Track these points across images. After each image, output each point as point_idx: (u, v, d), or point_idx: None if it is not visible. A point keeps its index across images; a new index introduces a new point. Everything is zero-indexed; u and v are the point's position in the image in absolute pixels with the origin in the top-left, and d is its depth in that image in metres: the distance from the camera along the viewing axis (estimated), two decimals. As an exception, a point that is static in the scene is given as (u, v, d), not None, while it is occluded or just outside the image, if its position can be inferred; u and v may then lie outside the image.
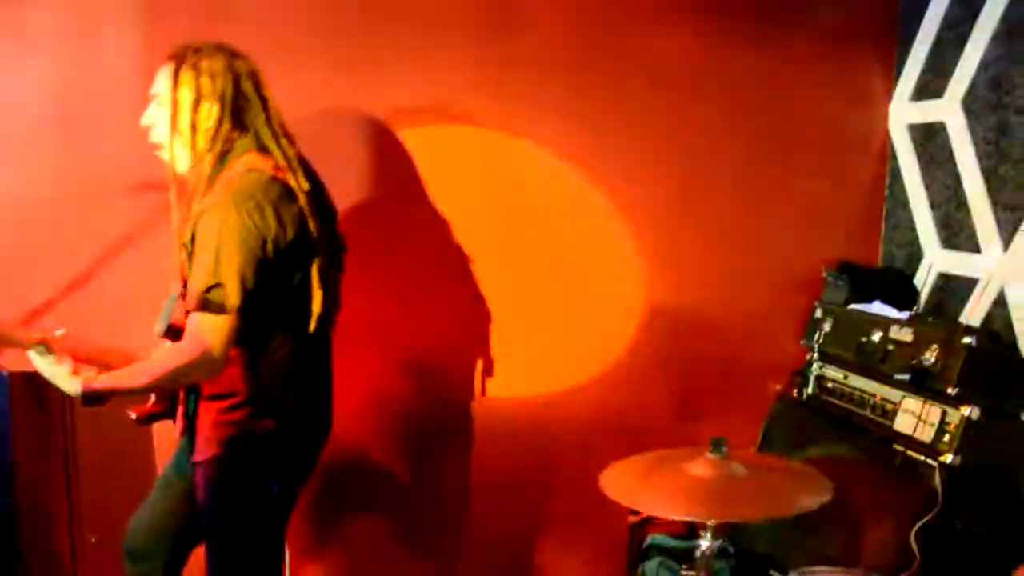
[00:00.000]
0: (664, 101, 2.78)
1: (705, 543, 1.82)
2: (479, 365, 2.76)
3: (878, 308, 2.62)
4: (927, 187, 2.82)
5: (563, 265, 2.79)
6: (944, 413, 2.20)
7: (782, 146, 2.89)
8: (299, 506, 2.12)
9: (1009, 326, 2.44)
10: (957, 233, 2.68)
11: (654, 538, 2.69)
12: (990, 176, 2.55)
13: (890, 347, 2.47)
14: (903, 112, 2.92)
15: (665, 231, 2.84)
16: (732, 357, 2.86)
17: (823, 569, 2.10)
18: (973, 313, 2.57)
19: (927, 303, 2.78)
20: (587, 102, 2.73)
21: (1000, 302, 2.48)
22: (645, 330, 2.85)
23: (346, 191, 2.51)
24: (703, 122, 2.82)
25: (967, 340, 2.24)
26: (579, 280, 2.81)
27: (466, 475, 2.77)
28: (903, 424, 2.33)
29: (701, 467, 1.85)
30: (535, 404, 2.80)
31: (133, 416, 2.03)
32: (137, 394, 1.96)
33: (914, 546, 2.11)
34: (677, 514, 1.67)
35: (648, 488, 1.81)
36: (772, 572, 2.39)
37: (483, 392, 2.77)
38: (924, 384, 2.30)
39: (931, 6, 2.81)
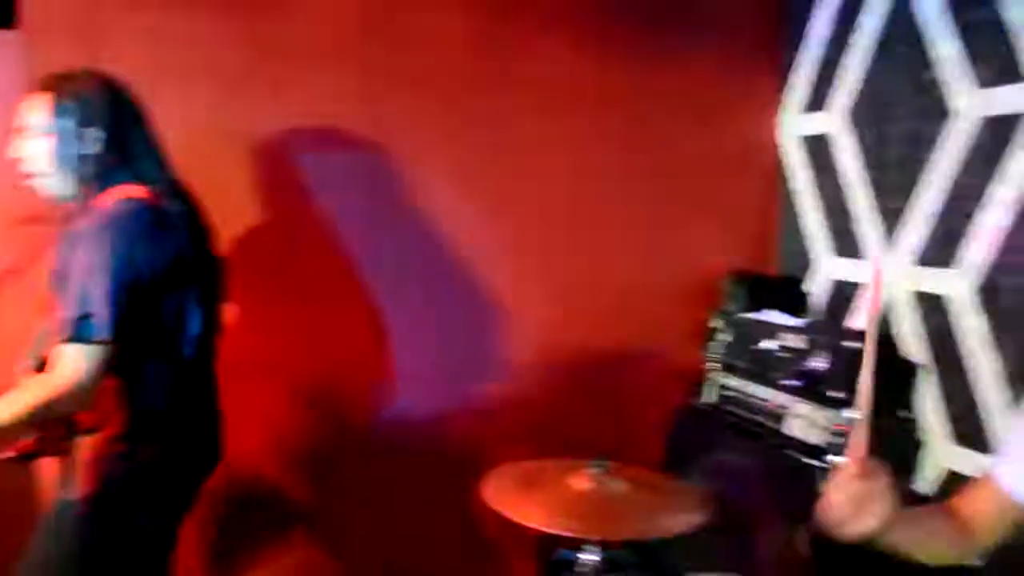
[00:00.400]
0: (553, 118, 2.79)
1: (587, 556, 1.82)
2: (374, 387, 2.74)
3: (772, 316, 2.67)
4: (818, 197, 2.89)
5: (456, 284, 2.78)
6: (832, 416, 2.27)
7: (676, 160, 2.93)
8: (190, 539, 2.07)
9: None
10: (846, 241, 2.75)
11: (564, 553, 2.68)
12: (872, 184, 2.63)
13: (783, 354, 2.53)
14: (794, 124, 2.99)
15: (558, 247, 2.85)
16: (634, 371, 2.88)
17: (714, 576, 2.12)
18: (861, 318, 2.63)
19: (825, 311, 2.84)
20: (476, 121, 2.73)
21: (887, 305, 2.54)
22: (545, 345, 2.84)
23: (235, 215, 2.50)
24: (593, 136, 2.84)
25: (851, 344, 2.30)
26: (473, 297, 2.80)
27: (367, 498, 2.72)
28: (794, 428, 2.39)
29: (582, 481, 1.85)
30: (433, 423, 2.77)
31: (8, 455, 1.96)
32: (9, 432, 1.89)
33: (804, 549, 2.14)
34: (551, 527, 1.66)
35: (527, 499, 1.79)
36: None
37: (379, 413, 2.75)
38: (815, 389, 2.37)
39: (814, 20, 2.89)
